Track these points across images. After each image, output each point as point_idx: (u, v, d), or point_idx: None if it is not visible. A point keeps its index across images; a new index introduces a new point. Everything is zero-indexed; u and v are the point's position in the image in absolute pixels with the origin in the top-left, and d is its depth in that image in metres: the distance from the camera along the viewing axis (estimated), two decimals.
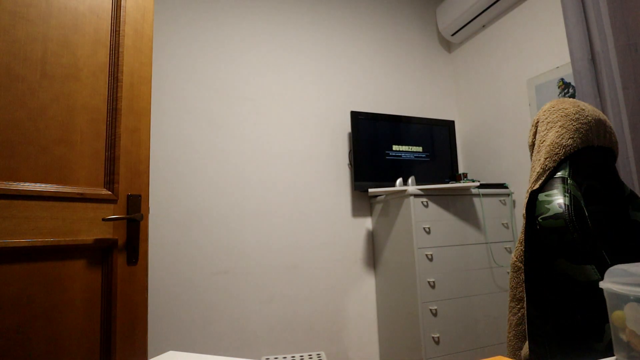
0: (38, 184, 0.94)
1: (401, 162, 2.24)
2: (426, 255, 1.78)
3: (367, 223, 2.23)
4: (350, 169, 2.22)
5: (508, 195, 2.07)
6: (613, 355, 0.51)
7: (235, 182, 1.96)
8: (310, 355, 1.89)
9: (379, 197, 2.14)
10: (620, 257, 0.79)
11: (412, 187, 1.86)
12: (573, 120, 0.87)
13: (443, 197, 1.89)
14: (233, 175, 1.96)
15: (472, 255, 1.90)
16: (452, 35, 2.52)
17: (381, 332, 2.09)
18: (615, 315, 0.50)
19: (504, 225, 2.01)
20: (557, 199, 0.77)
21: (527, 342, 0.83)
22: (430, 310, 1.74)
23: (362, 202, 2.23)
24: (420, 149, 2.30)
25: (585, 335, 0.70)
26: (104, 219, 1.02)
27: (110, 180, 1.07)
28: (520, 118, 2.11)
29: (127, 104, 1.12)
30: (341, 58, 2.33)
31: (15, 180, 0.90)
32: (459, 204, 1.92)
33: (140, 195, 1.12)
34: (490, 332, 1.86)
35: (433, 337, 1.72)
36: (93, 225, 1.02)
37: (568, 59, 1.81)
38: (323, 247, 2.09)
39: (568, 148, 0.85)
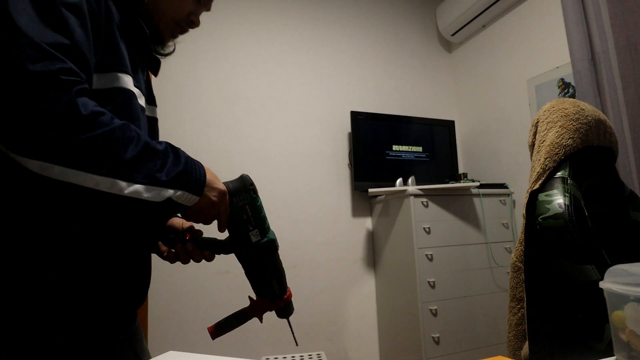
0: None
1: (401, 162, 2.24)
2: (426, 255, 1.78)
3: (367, 223, 2.23)
4: (350, 169, 2.22)
5: (508, 195, 2.07)
6: (613, 355, 0.51)
7: None
8: (310, 355, 1.89)
9: (379, 197, 2.14)
10: (620, 257, 0.79)
11: (412, 187, 1.86)
12: (573, 120, 0.87)
13: (443, 197, 1.89)
14: (233, 174, 1.96)
15: (472, 255, 1.90)
16: (452, 35, 2.52)
17: (381, 332, 2.09)
18: (615, 315, 0.50)
19: (504, 225, 2.01)
20: (557, 199, 0.77)
21: (527, 342, 0.83)
22: (430, 310, 1.74)
23: (362, 202, 2.23)
24: (420, 149, 2.30)
25: (585, 335, 0.70)
26: None
27: None
28: (520, 118, 2.11)
29: None
30: (341, 58, 2.33)
31: None
32: (459, 204, 1.92)
33: None
34: (490, 332, 1.86)
35: (433, 337, 1.72)
36: None
37: (568, 59, 1.80)
38: (323, 247, 2.09)
39: (568, 148, 0.85)
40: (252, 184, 0.67)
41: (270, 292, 0.69)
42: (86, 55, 0.49)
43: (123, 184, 0.48)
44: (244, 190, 0.65)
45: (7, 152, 0.44)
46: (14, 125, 0.42)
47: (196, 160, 0.59)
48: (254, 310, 0.70)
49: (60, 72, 0.43)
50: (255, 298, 0.71)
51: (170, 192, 0.53)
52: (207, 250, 0.67)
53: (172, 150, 0.55)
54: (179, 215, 0.62)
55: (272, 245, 0.66)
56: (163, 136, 2.04)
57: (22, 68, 0.42)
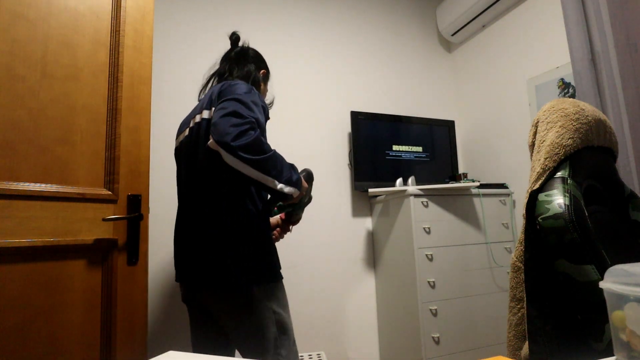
0: (38, 184, 0.94)
1: (401, 162, 2.24)
2: (426, 255, 1.78)
3: (367, 223, 2.23)
4: (350, 169, 2.22)
5: (508, 195, 2.07)
6: (613, 355, 0.51)
7: None
8: (310, 355, 1.90)
9: (379, 197, 2.14)
10: (620, 257, 0.79)
11: (412, 187, 1.86)
12: (573, 120, 0.87)
13: (443, 197, 1.89)
14: None
15: (472, 255, 1.90)
16: (452, 35, 2.52)
17: (381, 332, 2.09)
18: (615, 315, 0.50)
19: (504, 225, 2.01)
20: (557, 199, 0.77)
21: (527, 342, 0.83)
22: (430, 310, 1.74)
23: (362, 202, 2.23)
24: (420, 149, 2.30)
25: (585, 335, 0.70)
26: (104, 219, 1.02)
27: (110, 180, 1.07)
28: (520, 118, 2.11)
29: (127, 104, 1.12)
30: (341, 58, 2.33)
31: (15, 180, 0.90)
32: (459, 204, 1.92)
33: (140, 195, 1.12)
34: (490, 332, 1.86)
35: (433, 337, 1.72)
36: (93, 225, 1.02)
37: (568, 59, 1.81)
38: (323, 247, 2.09)
39: (568, 148, 0.85)
40: (312, 175, 1.17)
41: (294, 218, 1.25)
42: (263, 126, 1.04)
43: (276, 182, 0.95)
44: (309, 180, 1.14)
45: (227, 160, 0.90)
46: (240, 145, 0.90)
47: (296, 169, 1.05)
48: (285, 224, 1.31)
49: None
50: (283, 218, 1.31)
51: (293, 189, 1.00)
52: (284, 211, 1.25)
53: (290, 165, 1.03)
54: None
55: (310, 200, 1.21)
56: (163, 136, 2.04)
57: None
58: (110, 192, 1.07)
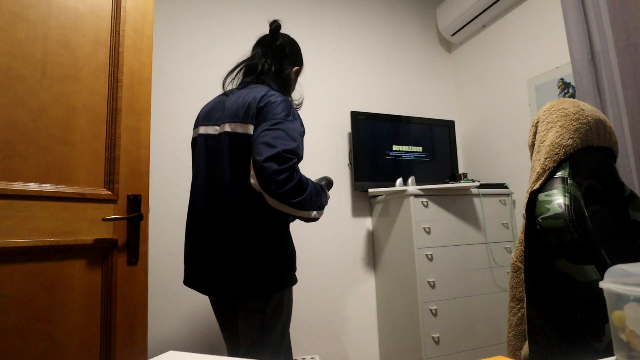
0: (38, 184, 0.94)
1: (401, 162, 2.24)
2: (426, 255, 1.78)
3: (367, 223, 2.23)
4: (350, 169, 2.22)
5: (508, 195, 2.07)
6: (613, 355, 0.51)
7: None
8: (304, 358, 1.89)
9: (379, 197, 2.14)
10: (620, 257, 0.79)
11: (412, 187, 1.86)
12: (573, 120, 0.87)
13: (443, 197, 1.89)
14: None
15: (472, 255, 1.90)
16: (452, 35, 2.52)
17: (381, 332, 2.09)
18: (615, 315, 0.50)
19: (504, 225, 2.01)
20: (557, 199, 0.77)
21: (527, 342, 0.83)
22: (430, 310, 1.74)
23: (362, 202, 2.23)
24: (420, 149, 2.30)
25: (585, 335, 0.70)
26: (104, 219, 1.02)
27: (110, 180, 1.07)
28: (520, 118, 2.11)
29: (127, 104, 1.12)
30: (341, 58, 2.33)
31: (15, 180, 0.90)
32: (459, 204, 1.92)
33: (140, 195, 1.12)
34: (490, 332, 1.86)
35: (433, 337, 1.72)
36: (93, 225, 1.02)
37: (568, 59, 1.81)
38: (323, 247, 2.09)
39: (568, 148, 0.85)
40: (332, 183, 1.31)
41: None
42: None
43: (311, 212, 1.05)
44: (329, 187, 1.28)
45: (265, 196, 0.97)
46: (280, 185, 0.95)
47: (322, 188, 1.13)
48: None
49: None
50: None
51: (321, 212, 1.10)
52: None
53: (316, 189, 1.08)
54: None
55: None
56: (163, 136, 2.04)
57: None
58: (110, 192, 1.07)
